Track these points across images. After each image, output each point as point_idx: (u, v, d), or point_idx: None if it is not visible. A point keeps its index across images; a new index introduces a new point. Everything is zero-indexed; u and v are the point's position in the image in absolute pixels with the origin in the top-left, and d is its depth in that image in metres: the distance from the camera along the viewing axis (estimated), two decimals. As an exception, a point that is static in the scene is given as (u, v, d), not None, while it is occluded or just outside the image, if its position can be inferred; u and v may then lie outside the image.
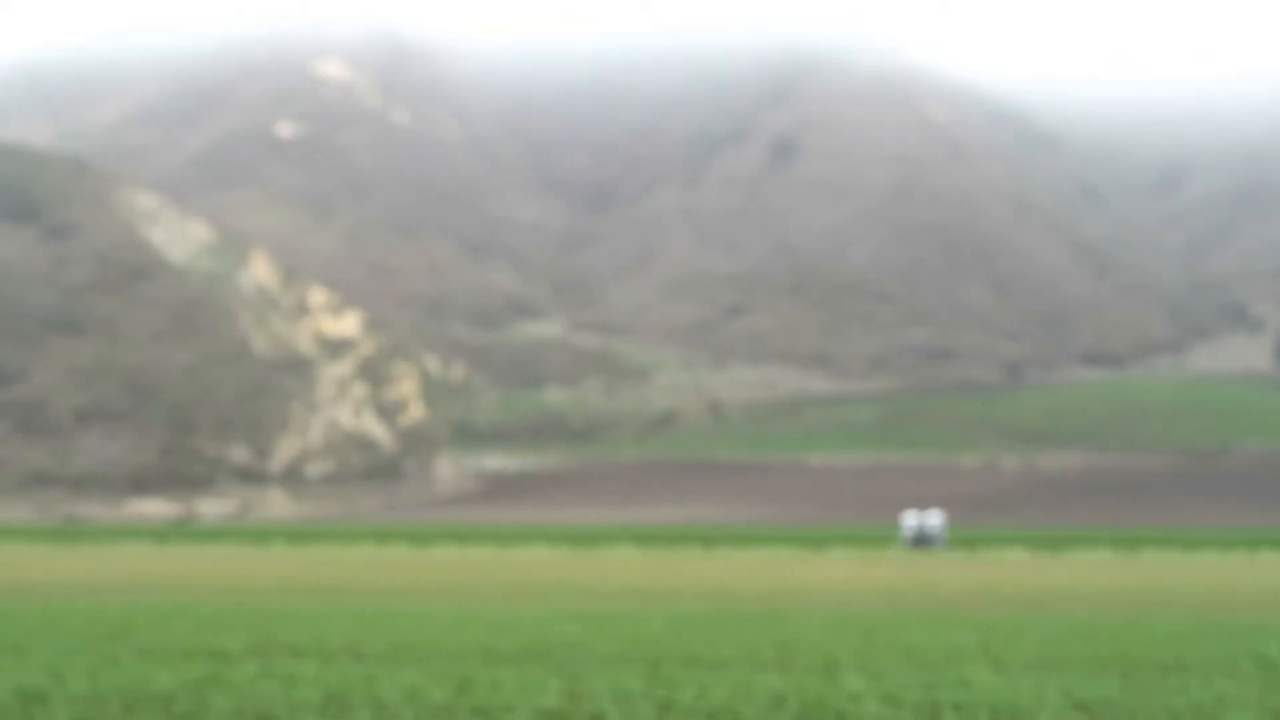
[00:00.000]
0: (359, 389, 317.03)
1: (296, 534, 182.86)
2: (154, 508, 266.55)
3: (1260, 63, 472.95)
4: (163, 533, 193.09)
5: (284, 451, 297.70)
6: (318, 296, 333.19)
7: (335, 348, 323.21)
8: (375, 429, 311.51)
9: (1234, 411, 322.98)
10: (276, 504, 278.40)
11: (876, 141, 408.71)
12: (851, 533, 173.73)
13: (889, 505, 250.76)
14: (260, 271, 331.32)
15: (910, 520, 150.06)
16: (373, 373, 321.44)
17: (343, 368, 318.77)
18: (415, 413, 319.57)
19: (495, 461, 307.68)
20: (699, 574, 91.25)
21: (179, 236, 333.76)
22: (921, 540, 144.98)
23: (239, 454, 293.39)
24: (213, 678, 29.90)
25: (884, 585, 77.20)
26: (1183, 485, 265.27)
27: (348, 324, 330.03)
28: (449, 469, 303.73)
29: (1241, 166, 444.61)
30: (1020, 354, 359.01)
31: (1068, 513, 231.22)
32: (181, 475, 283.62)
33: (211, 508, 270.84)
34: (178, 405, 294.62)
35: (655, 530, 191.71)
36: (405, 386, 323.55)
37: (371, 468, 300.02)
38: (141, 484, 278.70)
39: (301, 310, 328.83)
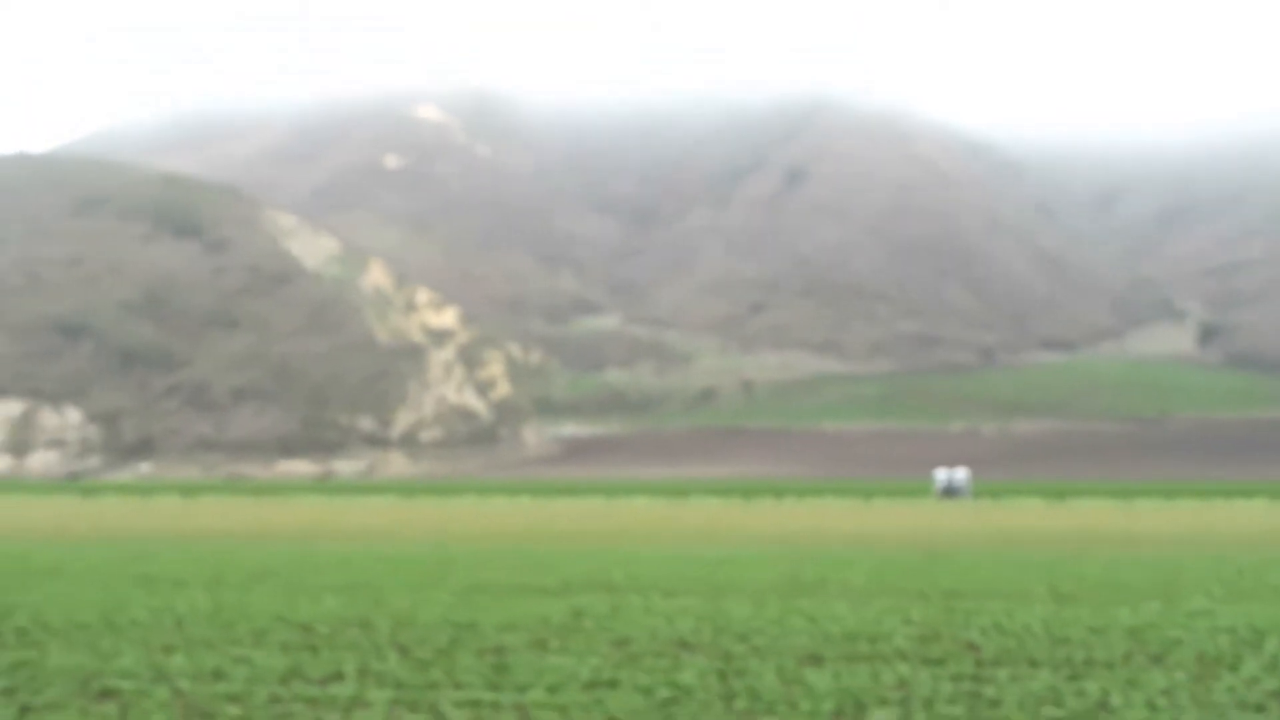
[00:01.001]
0: (459, 370, 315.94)
1: (443, 489, 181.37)
2: (298, 467, 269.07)
3: (1182, 105, 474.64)
4: (311, 488, 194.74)
5: (402, 421, 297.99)
6: (423, 296, 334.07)
7: (438, 337, 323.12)
8: (474, 403, 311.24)
9: (1167, 386, 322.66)
10: (396, 464, 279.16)
11: (873, 170, 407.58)
12: (886, 486, 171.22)
13: (891, 464, 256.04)
14: (377, 276, 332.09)
15: (941, 475, 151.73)
16: (468, 357, 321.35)
17: (445, 353, 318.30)
18: (503, 390, 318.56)
19: (569, 429, 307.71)
20: (806, 520, 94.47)
21: (312, 249, 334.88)
22: (950, 491, 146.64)
23: (365, 423, 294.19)
24: (577, 610, 32.51)
25: (945, 526, 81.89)
26: (1129, 446, 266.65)
27: (447, 318, 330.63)
28: (533, 435, 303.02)
29: (1167, 188, 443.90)
30: (992, 341, 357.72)
31: (1041, 469, 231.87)
32: (319, 441, 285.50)
33: (345, 467, 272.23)
34: (315, 385, 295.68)
35: (723, 485, 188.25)
36: (494, 368, 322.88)
37: (472, 434, 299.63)
38: (288, 448, 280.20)
39: (410, 307, 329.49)
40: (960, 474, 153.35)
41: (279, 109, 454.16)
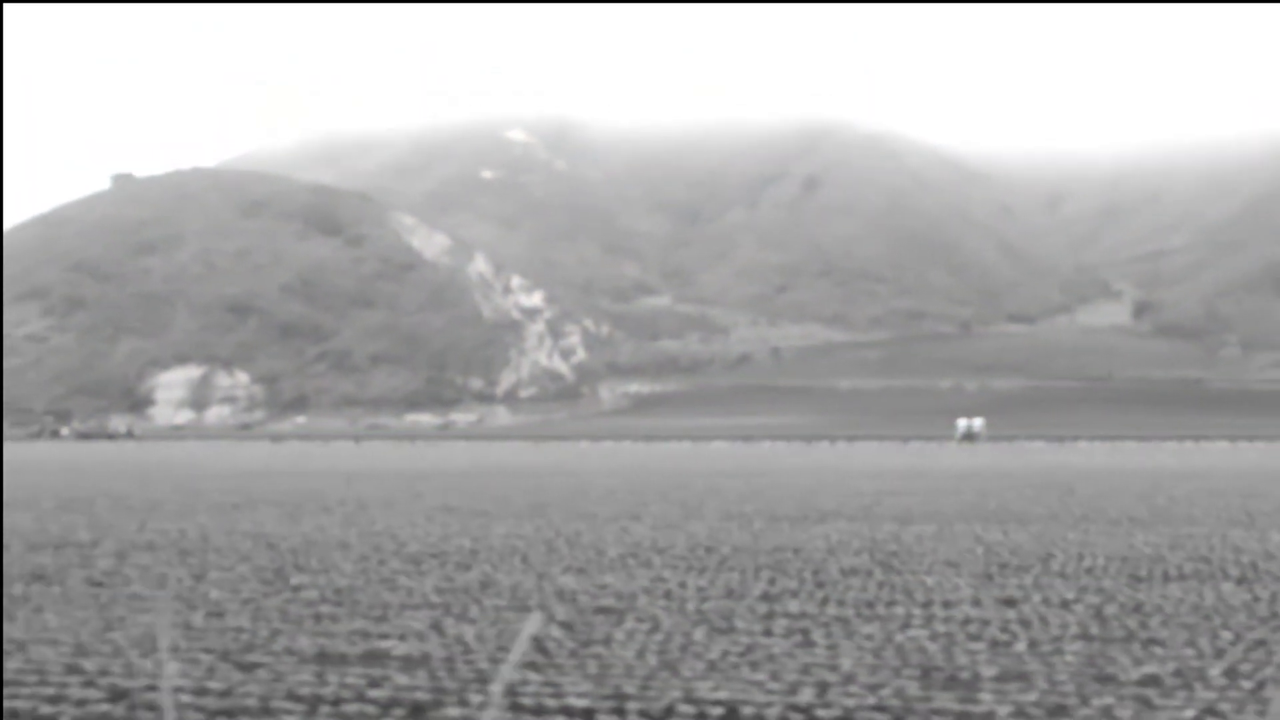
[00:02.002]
0: (547, 340, 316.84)
1: (570, 434, 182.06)
2: (422, 419, 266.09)
3: (1112, 120, 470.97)
4: (436, 435, 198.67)
5: (504, 381, 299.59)
6: (516, 281, 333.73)
7: (530, 314, 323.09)
8: (559, 366, 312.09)
9: (1108, 351, 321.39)
10: (501, 416, 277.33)
11: (872, 179, 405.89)
12: (915, 433, 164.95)
13: (893, 415, 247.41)
14: (480, 265, 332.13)
15: (962, 423, 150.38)
16: (553, 330, 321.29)
17: (536, 327, 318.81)
18: (581, 355, 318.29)
19: (633, 387, 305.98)
20: (876, 461, 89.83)
21: (428, 243, 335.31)
22: (969, 437, 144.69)
23: (476, 383, 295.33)
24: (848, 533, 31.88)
25: (976, 465, 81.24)
26: (1082, 400, 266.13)
27: (535, 298, 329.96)
28: (606, 392, 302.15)
29: (1102, 191, 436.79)
30: (968, 315, 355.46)
31: (1016, 419, 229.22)
32: (439, 397, 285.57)
33: (460, 418, 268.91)
34: (435, 351, 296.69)
35: (783, 431, 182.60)
36: (574, 339, 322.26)
37: (559, 391, 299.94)
38: (413, 403, 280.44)
39: (507, 290, 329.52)
40: (978, 422, 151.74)
41: (397, 130, 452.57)
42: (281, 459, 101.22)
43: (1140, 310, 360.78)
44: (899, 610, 19.86)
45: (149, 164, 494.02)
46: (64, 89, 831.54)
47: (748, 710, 13.35)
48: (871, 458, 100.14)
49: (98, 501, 44.89)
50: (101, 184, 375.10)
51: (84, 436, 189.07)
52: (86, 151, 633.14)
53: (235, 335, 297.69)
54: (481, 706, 13.85)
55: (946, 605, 20.67)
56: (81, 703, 13.74)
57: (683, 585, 22.56)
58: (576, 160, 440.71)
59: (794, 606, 20.18)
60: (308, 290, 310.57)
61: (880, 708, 13.54)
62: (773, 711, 13.30)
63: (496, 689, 13.45)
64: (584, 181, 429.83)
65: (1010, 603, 20.49)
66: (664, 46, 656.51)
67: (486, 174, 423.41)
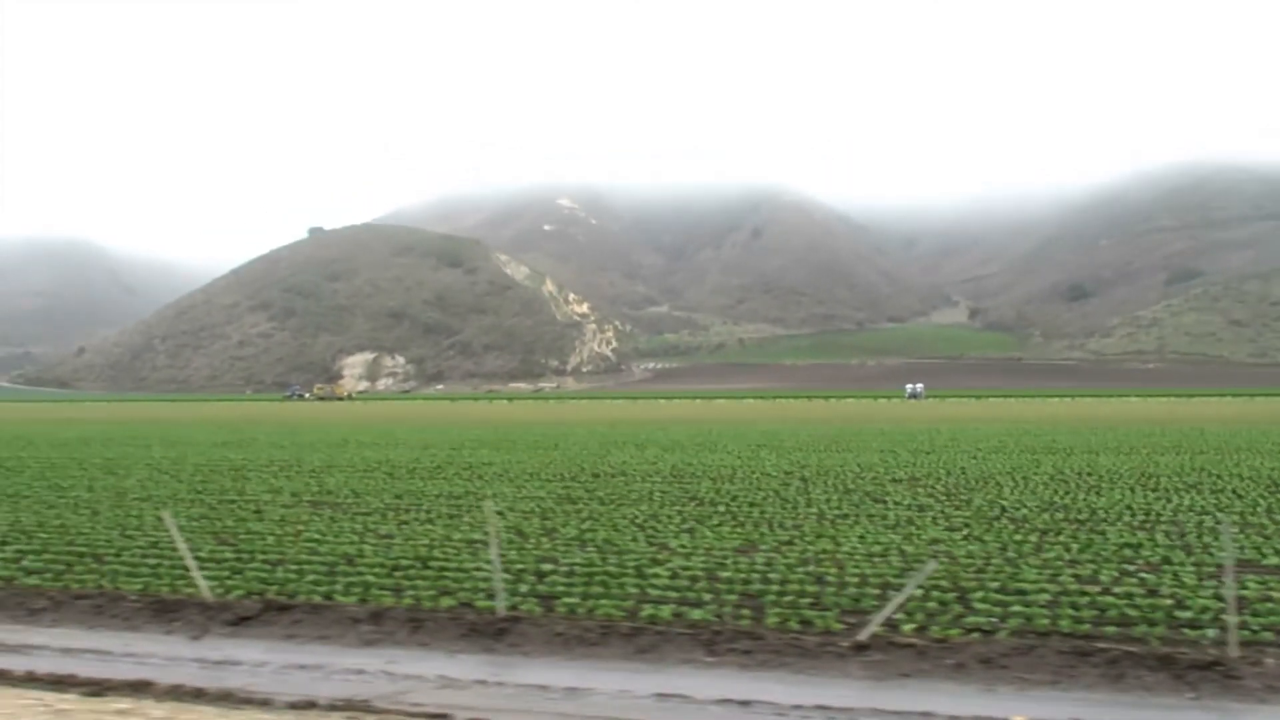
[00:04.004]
0: (595, 335, 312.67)
1: (625, 396, 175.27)
2: (520, 386, 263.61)
3: (946, 182, 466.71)
4: (528, 396, 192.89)
5: (571, 361, 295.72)
6: (571, 296, 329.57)
7: (583, 318, 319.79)
8: (605, 351, 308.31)
9: (954, 340, 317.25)
10: (570, 384, 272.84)
11: (796, 229, 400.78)
12: (874, 393, 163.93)
13: (822, 381, 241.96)
14: (549, 286, 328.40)
15: (909, 385, 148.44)
16: (599, 328, 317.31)
17: (590, 326, 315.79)
18: (616, 345, 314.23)
19: (650, 365, 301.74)
20: (863, 411, 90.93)
21: (516, 272, 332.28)
22: (914, 395, 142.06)
23: (554, 362, 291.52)
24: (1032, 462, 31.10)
25: (921, 413, 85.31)
26: (944, 371, 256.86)
27: (584, 308, 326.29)
28: (636, 369, 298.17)
29: (943, 234, 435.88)
30: (862, 317, 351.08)
31: (901, 384, 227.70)
32: (530, 371, 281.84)
33: (544, 385, 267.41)
34: (526, 342, 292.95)
35: (762, 393, 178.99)
36: (610, 333, 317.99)
37: (606, 368, 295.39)
38: (513, 376, 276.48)
39: (567, 302, 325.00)
40: (920, 386, 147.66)
41: (489, 196, 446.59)
42: (431, 408, 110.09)
43: (973, 313, 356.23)
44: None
45: (333, 219, 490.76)
46: (274, 166, 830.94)
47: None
48: (841, 407, 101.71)
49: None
50: (301, 234, 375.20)
51: (321, 399, 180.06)
52: (291, 210, 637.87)
53: (394, 332, 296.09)
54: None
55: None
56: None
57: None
58: (603, 217, 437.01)
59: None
60: (441, 303, 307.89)
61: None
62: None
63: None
64: (608, 232, 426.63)
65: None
66: (656, 127, 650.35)
67: (547, 227, 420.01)
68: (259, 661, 10.75)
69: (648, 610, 12.44)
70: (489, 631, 11.51)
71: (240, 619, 12.30)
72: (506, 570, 14.08)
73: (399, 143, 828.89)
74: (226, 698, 9.21)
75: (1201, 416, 70.10)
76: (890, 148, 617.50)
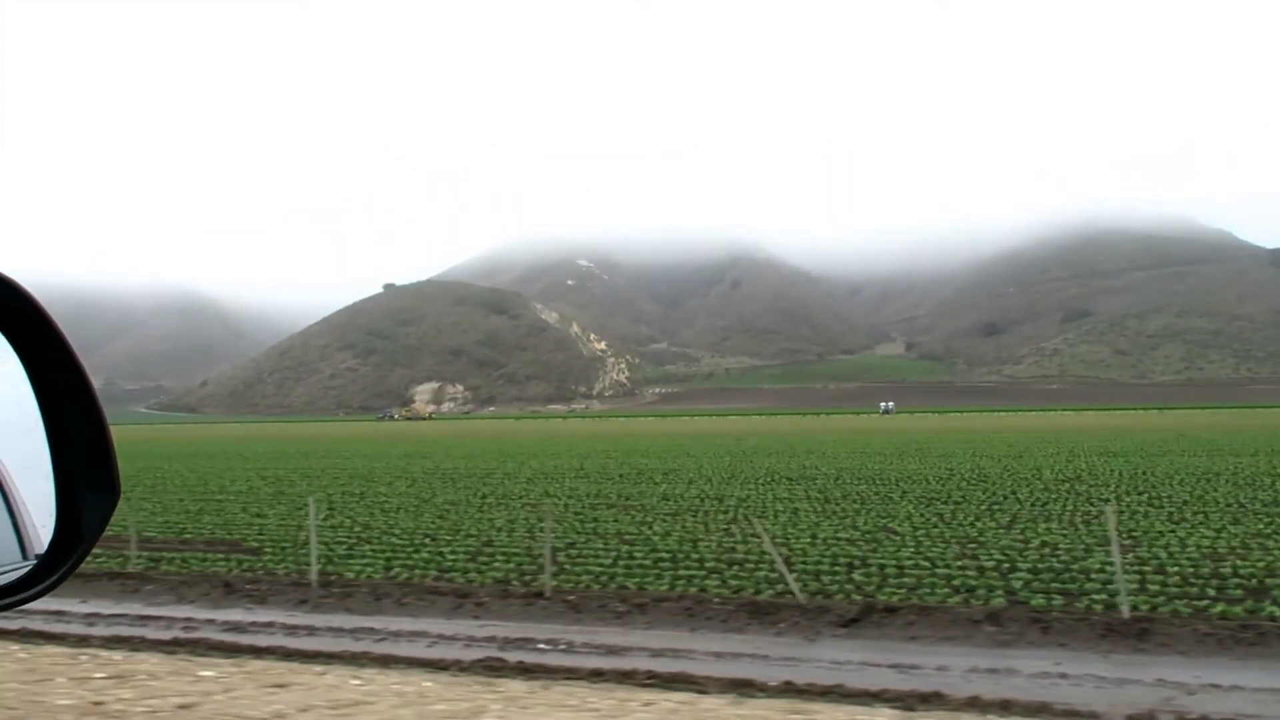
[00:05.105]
0: (613, 367, 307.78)
1: (649, 415, 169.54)
2: (556, 408, 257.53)
3: (887, 245, 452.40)
4: (564, 415, 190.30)
5: (596, 387, 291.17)
6: (592, 336, 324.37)
7: (602, 354, 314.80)
8: (622, 379, 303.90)
9: (894, 368, 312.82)
10: (595, 406, 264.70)
11: (766, 282, 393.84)
12: (853, 411, 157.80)
13: (792, 402, 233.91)
14: (575, 329, 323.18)
15: (882, 402, 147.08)
16: (614, 361, 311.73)
17: (609, 360, 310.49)
18: (630, 374, 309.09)
19: (656, 390, 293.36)
20: (827, 424, 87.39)
21: (550, 317, 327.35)
22: (887, 411, 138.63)
23: (581, 388, 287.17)
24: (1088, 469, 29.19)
25: (892, 426, 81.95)
26: (892, 393, 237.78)
27: (602, 345, 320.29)
28: (647, 394, 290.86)
29: (882, 284, 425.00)
30: (822, 350, 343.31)
31: (857, 405, 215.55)
32: (562, 396, 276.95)
33: (576, 406, 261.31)
34: (560, 373, 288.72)
35: (730, 411, 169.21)
36: (624, 365, 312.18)
37: (623, 393, 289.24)
38: (549, 399, 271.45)
39: (589, 341, 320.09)
40: (891, 403, 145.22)
41: (523, 257, 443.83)
42: (492, 424, 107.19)
43: (909, 346, 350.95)
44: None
45: (402, 275, 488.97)
46: (352, 232, 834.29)
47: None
48: (819, 424, 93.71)
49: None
50: (377, 289, 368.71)
51: (408, 419, 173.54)
52: (370, 268, 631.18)
53: (454, 366, 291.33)
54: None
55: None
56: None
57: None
58: (614, 274, 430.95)
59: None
60: (490, 342, 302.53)
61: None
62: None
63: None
64: (618, 286, 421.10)
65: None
66: (655, 202, 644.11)
67: (570, 281, 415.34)
68: (909, 665, 8.93)
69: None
70: (1129, 633, 9.91)
71: (848, 621, 10.67)
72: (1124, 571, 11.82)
73: (455, 214, 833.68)
74: (1003, 706, 7.58)
75: (1095, 427, 71.13)
76: (839, 216, 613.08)
